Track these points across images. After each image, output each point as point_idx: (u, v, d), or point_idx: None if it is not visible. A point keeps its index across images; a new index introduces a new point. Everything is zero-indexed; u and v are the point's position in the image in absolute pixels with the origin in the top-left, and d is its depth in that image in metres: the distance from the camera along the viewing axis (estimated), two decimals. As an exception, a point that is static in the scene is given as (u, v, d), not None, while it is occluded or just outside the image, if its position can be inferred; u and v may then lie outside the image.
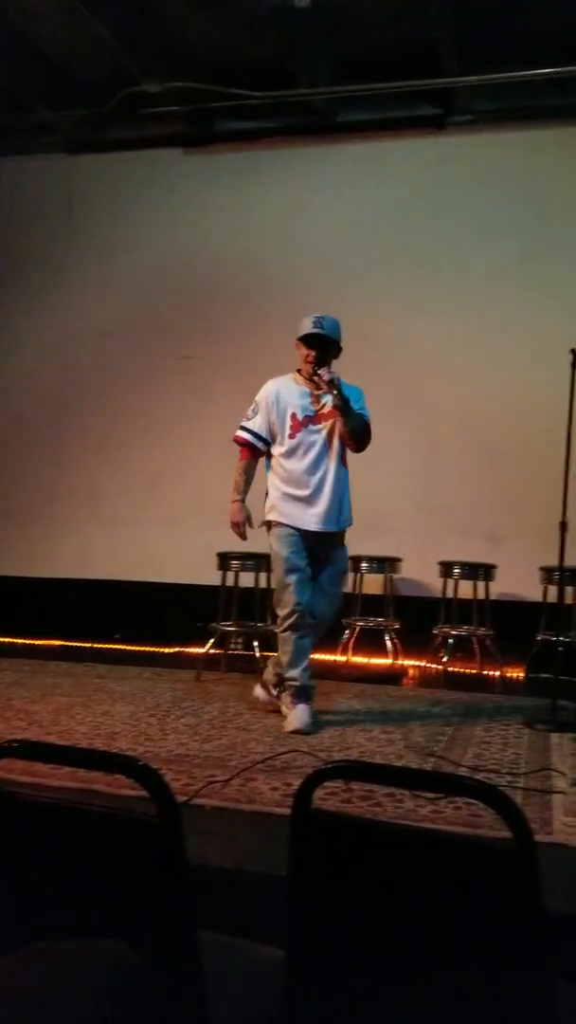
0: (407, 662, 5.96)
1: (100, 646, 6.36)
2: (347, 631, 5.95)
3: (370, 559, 5.90)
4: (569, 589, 5.12)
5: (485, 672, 5.77)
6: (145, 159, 7.01)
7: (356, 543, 5.98)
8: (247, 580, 5.53)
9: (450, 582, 5.76)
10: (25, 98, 6.49)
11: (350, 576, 5.88)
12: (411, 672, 5.88)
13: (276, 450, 4.16)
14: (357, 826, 1.40)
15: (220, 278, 6.82)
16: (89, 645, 6.33)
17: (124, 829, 1.31)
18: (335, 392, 3.95)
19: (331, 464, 4.10)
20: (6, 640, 6.48)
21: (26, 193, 7.30)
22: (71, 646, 6.34)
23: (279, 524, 4.09)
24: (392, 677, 5.61)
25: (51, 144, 7.10)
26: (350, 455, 4.19)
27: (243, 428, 4.21)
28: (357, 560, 5.90)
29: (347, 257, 6.56)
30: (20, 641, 6.49)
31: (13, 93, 6.40)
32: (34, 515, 7.15)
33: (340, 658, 5.97)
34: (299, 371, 4.21)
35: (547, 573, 5.32)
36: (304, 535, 4.07)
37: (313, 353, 4.07)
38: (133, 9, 5.56)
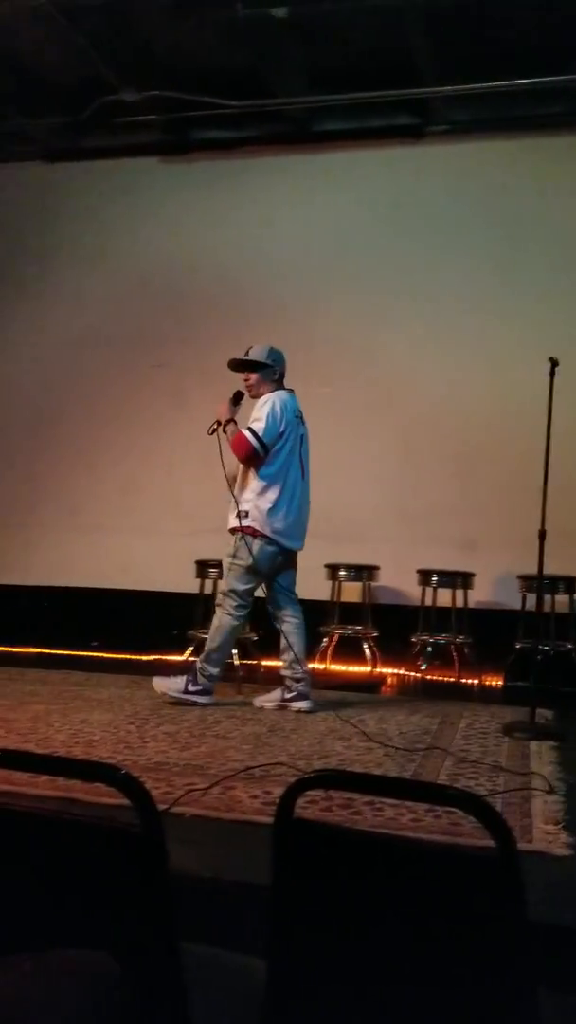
0: (385, 670, 5.97)
1: (78, 653, 6.32)
2: (325, 639, 5.95)
3: (348, 567, 5.92)
4: (548, 598, 5.15)
5: (463, 680, 5.79)
6: (121, 168, 7.01)
7: (333, 550, 6.04)
8: (225, 588, 5.51)
9: (428, 590, 5.78)
10: (1, 106, 6.47)
11: (328, 584, 5.94)
12: (389, 680, 5.89)
13: None
14: (340, 836, 1.39)
15: (194, 287, 6.82)
16: (67, 653, 6.29)
17: (106, 839, 1.30)
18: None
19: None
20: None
21: (1, 202, 7.26)
22: (48, 653, 6.30)
23: None
24: (370, 685, 5.62)
25: (27, 152, 7.08)
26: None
27: None
28: (335, 568, 5.93)
29: (322, 266, 6.59)
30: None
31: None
32: (12, 523, 7.10)
33: (318, 666, 5.97)
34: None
35: (526, 581, 5.34)
36: None
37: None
38: (111, 18, 5.55)
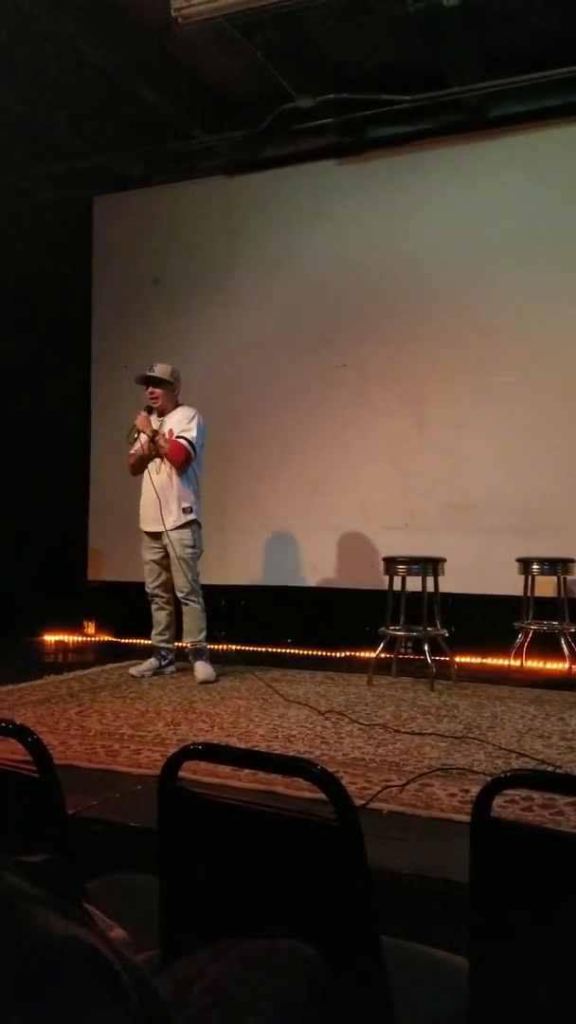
0: (585, 667, 5.74)
1: (273, 650, 6.50)
2: (520, 635, 5.81)
3: (541, 560, 5.74)
4: None
5: None
6: (300, 174, 7.11)
7: (525, 544, 5.88)
8: (414, 584, 5.50)
9: (628, 583, 5.53)
10: (183, 124, 6.73)
11: (520, 578, 5.79)
12: (590, 677, 5.66)
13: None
14: (541, 837, 1.37)
15: (374, 285, 6.82)
16: (263, 649, 6.48)
17: (305, 831, 1.34)
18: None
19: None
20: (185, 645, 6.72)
21: (187, 216, 7.55)
22: (246, 650, 6.51)
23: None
24: (569, 683, 5.43)
25: (210, 168, 7.32)
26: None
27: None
28: (527, 562, 5.77)
29: (505, 255, 6.42)
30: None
31: (172, 120, 6.65)
32: (208, 524, 7.35)
33: (514, 663, 5.84)
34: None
35: None
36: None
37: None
38: (283, 28, 5.64)
